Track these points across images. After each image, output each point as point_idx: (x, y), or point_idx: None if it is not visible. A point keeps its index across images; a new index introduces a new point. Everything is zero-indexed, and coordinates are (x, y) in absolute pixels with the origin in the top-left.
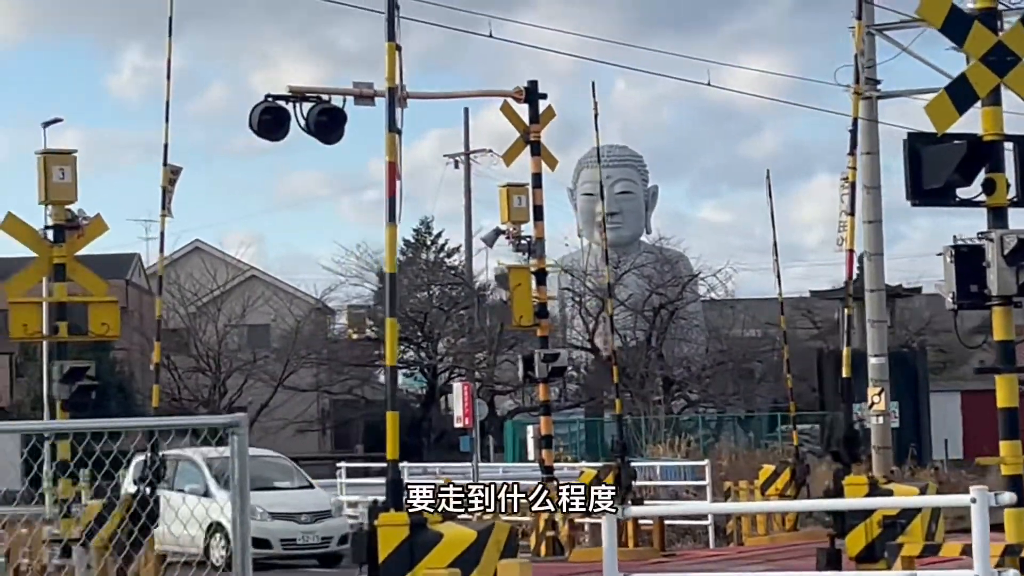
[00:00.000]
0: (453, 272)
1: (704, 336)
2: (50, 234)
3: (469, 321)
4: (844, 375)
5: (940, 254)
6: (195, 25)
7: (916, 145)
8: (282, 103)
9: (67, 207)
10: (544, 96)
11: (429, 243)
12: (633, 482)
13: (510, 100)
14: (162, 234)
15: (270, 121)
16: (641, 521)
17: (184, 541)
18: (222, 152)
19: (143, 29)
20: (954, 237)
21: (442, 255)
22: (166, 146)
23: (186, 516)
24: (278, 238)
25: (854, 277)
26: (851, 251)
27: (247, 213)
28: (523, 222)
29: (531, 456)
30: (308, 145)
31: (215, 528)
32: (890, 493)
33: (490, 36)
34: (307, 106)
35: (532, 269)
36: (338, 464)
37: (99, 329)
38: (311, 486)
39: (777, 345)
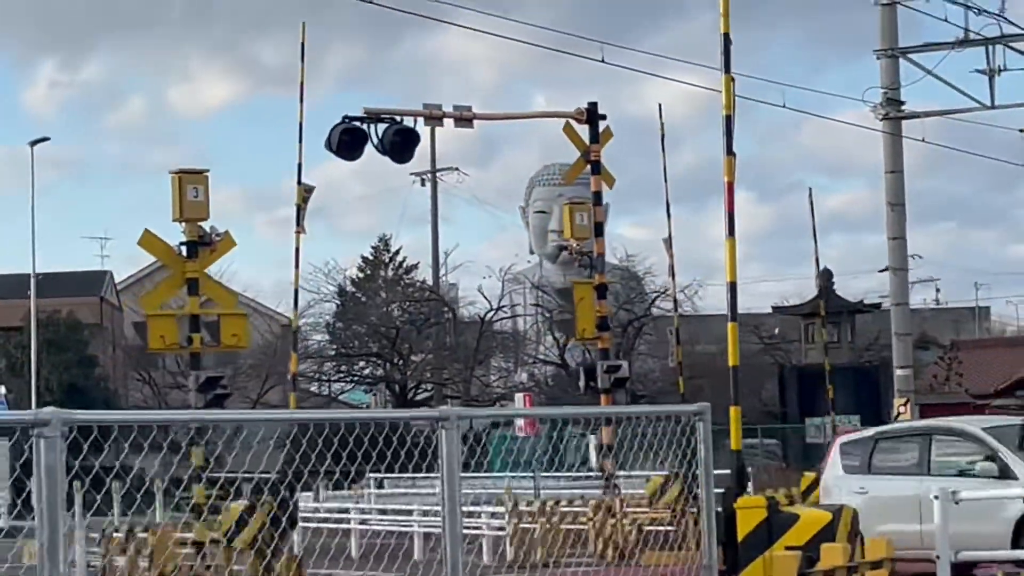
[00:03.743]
0: (423, 287)
1: (668, 351)
2: (183, 250)
3: (440, 336)
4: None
5: (882, 271)
6: (112, 39)
7: None
8: (358, 123)
9: (199, 223)
10: (604, 117)
11: (387, 260)
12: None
13: (571, 121)
14: (297, 250)
15: (348, 141)
16: None
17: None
18: (141, 169)
19: (57, 44)
20: None
21: (400, 271)
22: (300, 165)
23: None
24: None
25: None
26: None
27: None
28: (585, 238)
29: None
30: (217, 163)
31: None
32: None
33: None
34: (382, 127)
35: (594, 284)
36: (368, 475)
37: (230, 340)
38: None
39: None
